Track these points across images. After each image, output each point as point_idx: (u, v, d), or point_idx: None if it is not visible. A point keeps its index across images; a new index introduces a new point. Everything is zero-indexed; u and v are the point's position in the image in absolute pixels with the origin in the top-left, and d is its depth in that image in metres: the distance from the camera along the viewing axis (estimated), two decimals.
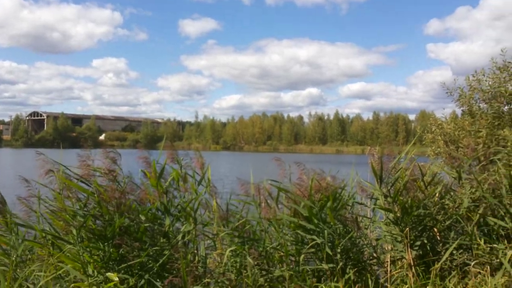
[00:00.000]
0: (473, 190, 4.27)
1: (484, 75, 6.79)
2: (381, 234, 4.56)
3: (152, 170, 4.07)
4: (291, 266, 4.07)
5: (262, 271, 4.04)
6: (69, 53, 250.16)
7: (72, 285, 3.32)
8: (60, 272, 3.39)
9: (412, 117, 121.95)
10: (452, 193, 4.45)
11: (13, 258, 3.71)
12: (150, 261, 3.45)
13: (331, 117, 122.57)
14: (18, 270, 3.80)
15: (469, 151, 4.65)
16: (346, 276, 3.95)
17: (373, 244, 4.51)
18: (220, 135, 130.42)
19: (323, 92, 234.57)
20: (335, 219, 4.18)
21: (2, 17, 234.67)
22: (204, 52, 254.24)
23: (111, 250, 3.36)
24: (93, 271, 3.38)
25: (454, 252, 4.02)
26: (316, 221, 4.05)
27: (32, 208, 3.98)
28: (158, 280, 3.39)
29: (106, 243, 3.38)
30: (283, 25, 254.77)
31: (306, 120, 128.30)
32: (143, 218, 3.74)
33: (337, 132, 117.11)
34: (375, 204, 4.52)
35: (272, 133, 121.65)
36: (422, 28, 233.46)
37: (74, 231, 3.33)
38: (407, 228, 4.02)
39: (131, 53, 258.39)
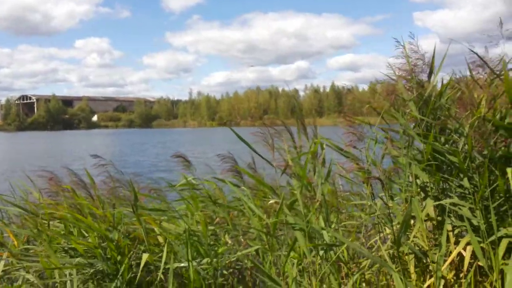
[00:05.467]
0: None
1: None
2: None
3: None
4: None
5: None
6: (51, 35, 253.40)
7: None
8: None
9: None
10: None
11: None
12: None
13: (327, 90, 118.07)
14: None
15: None
16: None
17: None
18: (216, 112, 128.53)
19: (312, 65, 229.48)
20: None
21: None
22: (189, 28, 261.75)
23: None
24: None
25: None
26: None
27: None
28: None
29: None
30: None
31: (301, 93, 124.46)
32: None
33: (333, 104, 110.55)
34: None
35: (268, 108, 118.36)
36: None
37: None
38: None
39: (114, 32, 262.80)
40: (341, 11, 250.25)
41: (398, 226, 2.66)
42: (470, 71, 2.91)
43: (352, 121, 2.88)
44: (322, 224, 2.80)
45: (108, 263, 3.21)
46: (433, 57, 2.98)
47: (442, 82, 3.07)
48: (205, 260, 3.14)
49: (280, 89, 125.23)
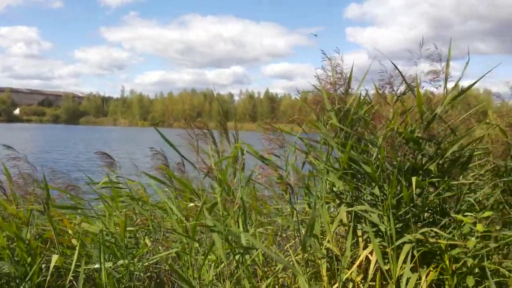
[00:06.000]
0: None
1: None
2: None
3: None
4: None
5: None
6: None
7: None
8: None
9: None
10: None
11: None
12: None
13: (261, 96, 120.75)
14: None
15: None
16: None
17: None
18: (148, 111, 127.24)
19: (248, 71, 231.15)
20: None
21: None
22: (125, 24, 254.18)
23: None
24: None
25: None
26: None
27: None
28: None
29: None
30: None
31: (236, 98, 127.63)
32: None
33: (267, 110, 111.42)
34: None
35: (202, 110, 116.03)
36: (342, 11, 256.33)
37: None
38: None
39: (44, 22, 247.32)
40: (279, 20, 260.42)
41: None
42: (377, 90, 3.13)
43: (269, 128, 2.95)
44: (241, 228, 2.84)
45: (16, 266, 3.02)
46: (351, 72, 3.17)
47: (366, 95, 3.28)
48: (120, 262, 3.05)
49: (215, 93, 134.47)
